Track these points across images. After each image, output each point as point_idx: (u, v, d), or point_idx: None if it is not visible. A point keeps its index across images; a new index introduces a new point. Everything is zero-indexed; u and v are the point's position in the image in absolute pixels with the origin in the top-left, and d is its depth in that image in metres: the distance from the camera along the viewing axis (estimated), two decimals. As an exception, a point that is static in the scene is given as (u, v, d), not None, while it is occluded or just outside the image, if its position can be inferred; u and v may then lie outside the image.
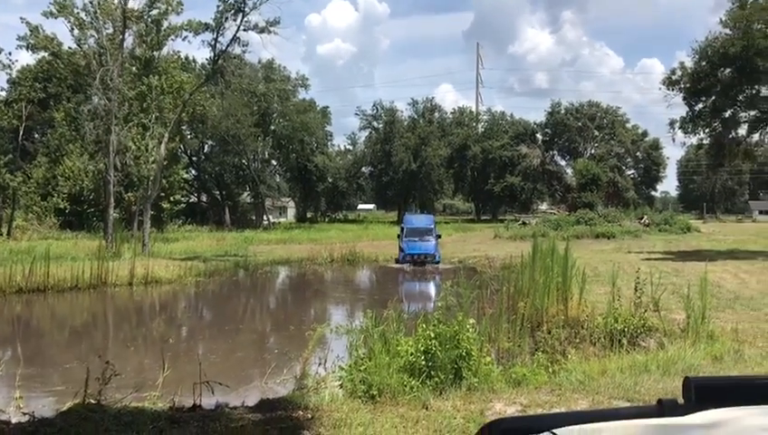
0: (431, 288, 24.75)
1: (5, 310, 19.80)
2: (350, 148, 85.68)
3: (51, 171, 45.78)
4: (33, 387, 9.89)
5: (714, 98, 33.33)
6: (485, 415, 6.64)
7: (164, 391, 8.08)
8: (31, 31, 34.70)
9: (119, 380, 7.77)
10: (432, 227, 32.29)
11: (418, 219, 35.14)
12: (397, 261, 30.86)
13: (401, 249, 30.71)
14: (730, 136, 34.96)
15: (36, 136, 53.69)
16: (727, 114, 34.05)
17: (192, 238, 42.60)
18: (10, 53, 56.65)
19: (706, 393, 1.12)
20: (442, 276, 24.49)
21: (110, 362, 7.65)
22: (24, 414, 6.78)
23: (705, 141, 37.72)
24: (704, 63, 32.73)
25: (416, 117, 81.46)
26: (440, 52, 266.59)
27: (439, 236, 32.08)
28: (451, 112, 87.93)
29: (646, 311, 11.54)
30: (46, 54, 39.40)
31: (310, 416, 6.71)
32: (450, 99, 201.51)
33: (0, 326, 18.36)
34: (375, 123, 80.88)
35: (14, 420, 6.67)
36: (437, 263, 29.97)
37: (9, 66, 39.67)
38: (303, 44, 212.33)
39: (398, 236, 31.90)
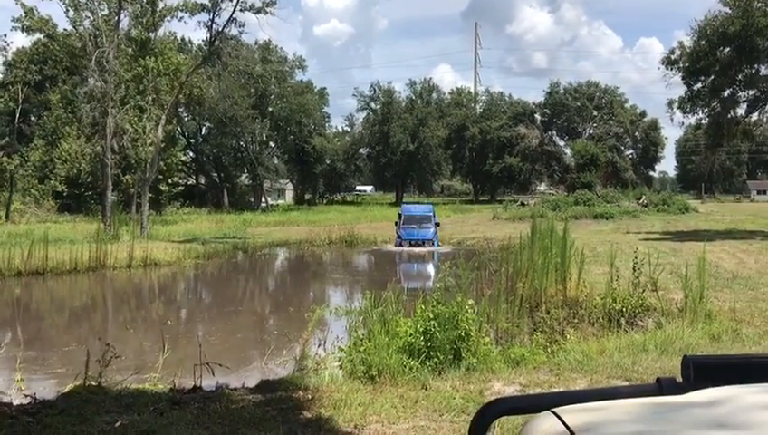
0: (429, 268, 24.80)
1: (5, 293, 19.83)
2: (348, 129, 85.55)
3: (48, 154, 45.67)
4: (34, 369, 9.93)
5: (713, 77, 33.19)
6: (484, 395, 6.68)
7: (164, 373, 8.12)
8: (26, 12, 34.41)
9: (119, 362, 7.81)
10: (431, 214, 31.58)
11: (417, 208, 34.38)
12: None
13: (398, 236, 30.26)
14: (729, 116, 34.86)
15: (33, 119, 53.48)
16: (726, 94, 33.94)
17: (190, 221, 42.62)
18: (5, 35, 56.52)
19: (705, 372, 1.13)
20: (440, 258, 24.25)
21: (110, 344, 7.69)
22: (26, 396, 6.82)
23: (703, 121, 37.67)
24: (703, 43, 32.56)
25: (413, 98, 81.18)
26: (438, 32, 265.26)
27: (438, 225, 31.30)
28: (449, 93, 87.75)
29: (644, 291, 11.58)
30: (41, 36, 39.12)
31: (310, 396, 6.75)
32: (448, 79, 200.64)
33: (0, 309, 18.41)
34: (373, 104, 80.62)
35: (15, 402, 6.71)
36: (436, 246, 29.51)
37: (4, 48, 39.44)
38: (300, 25, 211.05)
39: (396, 224, 31.30)
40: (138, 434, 5.51)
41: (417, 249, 28.91)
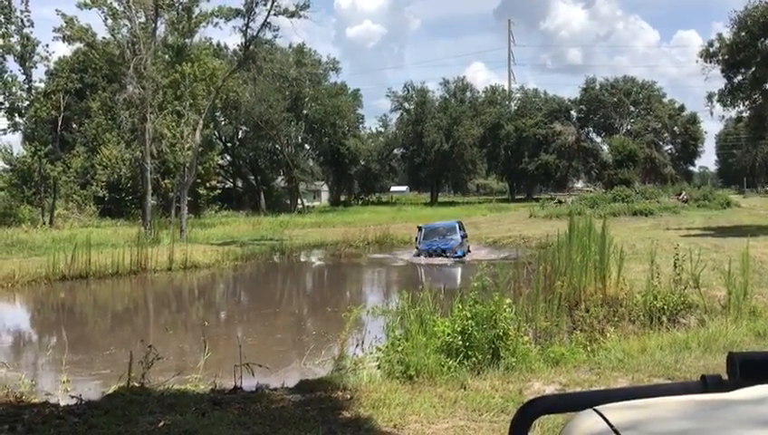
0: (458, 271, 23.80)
1: (50, 297, 20.30)
2: (382, 130, 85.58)
3: (89, 160, 46.61)
4: (79, 371, 10.15)
5: (753, 69, 32.45)
6: (524, 394, 6.63)
7: (205, 374, 8.24)
8: (66, 22, 35.15)
9: (161, 363, 7.94)
10: (455, 226, 28.07)
11: (441, 223, 30.72)
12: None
13: (417, 248, 26.94)
14: (771, 108, 34.05)
15: (74, 126, 54.59)
16: (768, 85, 33.17)
17: (228, 223, 43.12)
18: (47, 45, 57.66)
19: (751, 369, 1.11)
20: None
21: (152, 346, 7.83)
22: (72, 397, 6.98)
23: (744, 114, 36.86)
24: (743, 34, 31.85)
25: (447, 97, 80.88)
26: (471, 30, 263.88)
27: (465, 237, 27.64)
28: (483, 91, 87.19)
29: (685, 288, 11.38)
30: (81, 45, 39.94)
31: (349, 396, 6.78)
32: (482, 77, 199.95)
33: (45, 313, 18.87)
34: (406, 104, 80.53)
35: (62, 403, 6.86)
36: (461, 256, 25.76)
37: (47, 58, 40.31)
38: (333, 27, 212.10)
39: (416, 239, 27.62)
40: (180, 434, 5.60)
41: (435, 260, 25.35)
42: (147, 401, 6.56)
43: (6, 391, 7.20)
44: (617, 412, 1.03)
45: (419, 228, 28.04)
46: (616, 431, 0.96)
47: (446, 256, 25.33)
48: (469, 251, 27.16)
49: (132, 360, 7.41)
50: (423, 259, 25.45)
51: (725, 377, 1.13)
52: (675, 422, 0.98)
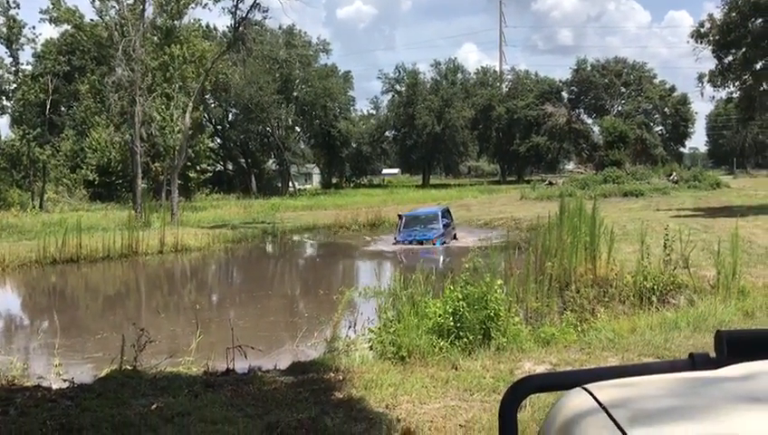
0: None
1: (41, 281, 20.25)
2: (374, 112, 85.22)
3: (78, 144, 46.35)
4: (71, 355, 10.14)
5: (744, 50, 32.44)
6: (515, 374, 6.69)
7: (197, 356, 8.25)
8: (53, 4, 34.81)
9: (153, 346, 7.95)
10: (437, 214, 26.35)
11: (424, 210, 29.24)
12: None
13: (395, 238, 25.17)
14: (761, 88, 34.08)
15: (63, 109, 54.23)
16: (758, 66, 33.17)
17: (219, 207, 43.00)
18: (34, 27, 57.12)
19: (739, 347, 1.12)
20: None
21: (144, 329, 7.83)
22: (65, 381, 6.99)
23: (734, 95, 36.90)
24: (734, 14, 31.81)
25: (439, 79, 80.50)
26: (462, 11, 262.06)
27: (448, 225, 25.84)
28: (474, 73, 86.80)
29: (675, 268, 11.45)
30: (69, 27, 39.56)
31: (341, 377, 6.82)
32: (473, 59, 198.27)
33: (37, 297, 18.82)
34: (398, 86, 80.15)
35: (54, 387, 6.87)
36: (440, 246, 24.06)
37: (33, 40, 39.96)
38: (324, 8, 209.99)
39: (397, 228, 25.79)
40: (174, 416, 5.62)
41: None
42: (139, 384, 6.57)
43: (-2, 375, 7.20)
44: (606, 390, 1.04)
45: (400, 216, 26.49)
46: (605, 409, 0.97)
47: (422, 245, 23.68)
48: (455, 238, 25.75)
49: (124, 343, 7.42)
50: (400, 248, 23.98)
51: (713, 355, 1.14)
52: (663, 399, 0.99)
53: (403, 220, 25.80)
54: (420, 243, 23.98)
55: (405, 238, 24.44)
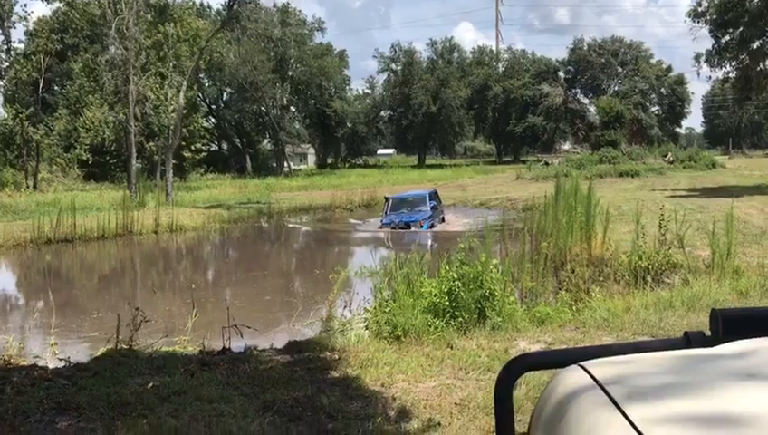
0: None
1: (36, 260, 20.23)
2: (369, 92, 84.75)
3: (72, 123, 46.03)
4: (67, 334, 10.16)
5: (741, 29, 32.32)
6: (510, 353, 6.72)
7: (193, 336, 8.28)
8: (45, -19, 34.41)
9: (149, 325, 7.97)
10: (425, 196, 25.62)
11: (410, 193, 28.04)
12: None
13: (381, 222, 24.64)
14: (758, 68, 33.99)
15: (56, 88, 53.81)
16: (755, 45, 33.07)
17: (214, 187, 42.93)
18: (25, 5, 56.50)
19: (733, 325, 1.12)
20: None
21: (140, 308, 7.84)
22: (61, 360, 7.00)
23: (731, 75, 36.78)
24: (731, -7, 31.68)
25: (435, 58, 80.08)
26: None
27: (436, 208, 25.17)
28: (471, 52, 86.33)
29: (670, 248, 11.48)
30: (61, 5, 39.17)
31: (337, 357, 6.85)
32: (470, 38, 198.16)
33: (32, 276, 18.83)
34: (393, 66, 79.68)
35: (51, 366, 6.89)
36: (427, 229, 23.39)
37: (25, 18, 39.48)
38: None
39: (384, 211, 24.97)
40: (169, 395, 5.64)
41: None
42: (135, 363, 6.59)
43: (-6, 355, 7.21)
44: (601, 368, 1.04)
45: (386, 199, 25.62)
46: (601, 386, 0.97)
47: (410, 229, 23.05)
48: (443, 221, 25.24)
49: (120, 322, 7.43)
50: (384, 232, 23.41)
51: (708, 333, 1.14)
52: (658, 377, 0.99)
53: (390, 203, 25.06)
54: (407, 225, 23.28)
55: (391, 221, 23.75)
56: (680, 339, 1.16)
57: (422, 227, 23.34)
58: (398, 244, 20.10)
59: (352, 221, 28.59)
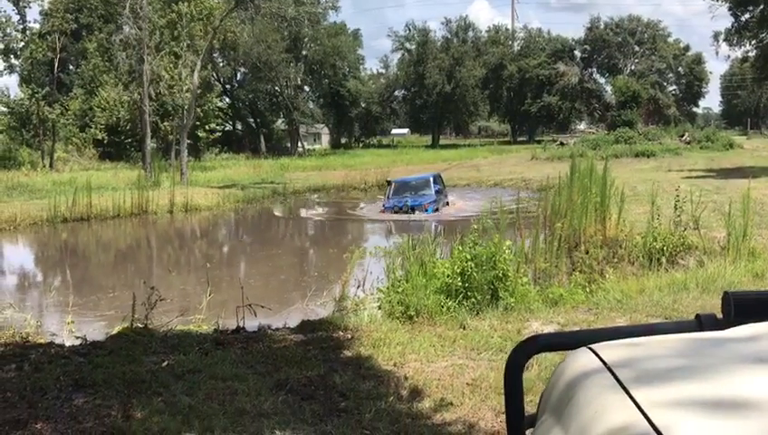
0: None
1: (53, 239, 20.44)
2: (383, 71, 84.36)
3: (87, 103, 46.19)
4: (83, 312, 10.27)
5: (762, 7, 31.82)
6: (522, 334, 6.72)
7: (208, 315, 8.34)
8: (59, -40, 34.40)
9: (164, 304, 8.03)
10: (429, 180, 24.74)
11: (413, 177, 26.76)
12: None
13: (383, 206, 23.78)
14: (778, 47, 33.55)
15: (71, 68, 53.98)
16: (776, 24, 32.59)
17: (229, 166, 43.03)
18: (40, -16, 56.57)
19: (746, 308, 1.11)
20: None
21: (155, 287, 7.91)
22: (77, 338, 7.09)
23: (750, 54, 36.35)
24: (752, -30, 31.17)
25: (449, 37, 79.40)
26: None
27: (440, 191, 24.45)
28: (486, 31, 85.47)
29: (685, 229, 11.41)
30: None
31: (350, 336, 6.88)
32: (485, 17, 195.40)
33: (49, 254, 19.03)
34: (407, 45, 79.15)
35: (67, 344, 6.97)
36: (431, 213, 22.52)
37: (40, -3, 39.62)
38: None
39: (386, 195, 24.26)
40: (184, 373, 5.70)
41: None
42: (150, 342, 6.66)
43: (13, 332, 7.31)
44: (611, 350, 1.04)
45: (389, 182, 24.95)
46: (609, 368, 0.97)
47: (414, 214, 22.16)
48: (447, 205, 24.58)
49: (135, 301, 7.49)
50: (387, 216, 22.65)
51: (720, 316, 1.14)
52: (668, 360, 0.99)
53: (392, 186, 24.27)
54: (411, 209, 22.40)
55: (394, 205, 22.87)
56: (691, 322, 1.16)
57: (427, 210, 22.55)
58: (402, 229, 19.42)
59: (362, 205, 28.24)
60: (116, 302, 10.72)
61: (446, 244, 10.14)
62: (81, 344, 6.74)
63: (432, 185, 24.19)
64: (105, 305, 11.02)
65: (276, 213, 27.90)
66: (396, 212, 22.49)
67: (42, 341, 7.20)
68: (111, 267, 16.82)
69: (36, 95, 40.19)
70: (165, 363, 5.97)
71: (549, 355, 4.59)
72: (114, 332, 7.34)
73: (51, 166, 39.45)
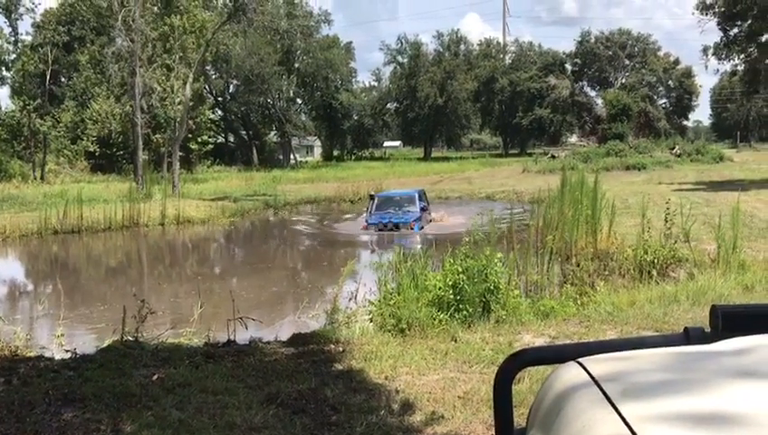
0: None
1: (43, 251, 20.32)
2: (375, 84, 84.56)
3: (79, 115, 46.14)
4: (73, 325, 10.20)
5: (750, 21, 32.17)
6: (513, 347, 6.71)
7: (199, 328, 8.30)
8: (51, -27, 34.42)
9: (155, 317, 7.99)
10: (414, 196, 23.44)
11: (397, 192, 25.79)
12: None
13: (366, 221, 22.40)
14: (766, 61, 33.85)
15: (63, 80, 53.94)
16: (764, 38, 32.89)
17: (221, 179, 42.97)
18: (32, -3, 56.50)
19: (733, 321, 1.12)
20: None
21: (145, 300, 7.86)
22: (67, 351, 7.03)
23: (739, 68, 36.69)
24: (740, -14, 31.50)
25: (441, 50, 79.80)
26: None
27: (424, 209, 22.95)
28: (477, 44, 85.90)
29: (676, 242, 11.45)
30: (68, -4, 39.18)
31: (341, 349, 6.86)
32: (477, 30, 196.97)
33: (39, 267, 18.90)
34: (400, 58, 79.50)
35: (57, 357, 6.92)
36: (418, 232, 21.05)
37: (33, 10, 39.54)
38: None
39: (367, 210, 22.95)
40: (175, 387, 5.67)
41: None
42: (141, 355, 6.61)
43: (1, 345, 7.25)
44: (599, 364, 1.04)
45: (371, 197, 23.60)
46: (597, 383, 0.97)
47: (399, 231, 20.79)
48: (430, 221, 23.05)
49: (126, 314, 7.45)
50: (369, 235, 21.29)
51: (708, 329, 1.14)
52: (656, 374, 0.99)
53: (375, 201, 22.89)
54: (396, 226, 21.06)
55: (378, 221, 21.49)
56: (680, 335, 1.16)
57: (413, 229, 21.19)
58: (387, 246, 18.30)
59: (346, 217, 27.07)
60: (107, 314, 10.66)
61: (435, 257, 10.13)
62: (70, 358, 6.69)
63: (417, 201, 22.96)
64: (96, 318, 10.95)
65: (268, 225, 27.85)
66: (380, 230, 21.14)
67: (31, 354, 7.14)
68: (102, 280, 16.72)
69: (28, 107, 40.13)
70: (155, 377, 5.93)
71: (540, 368, 4.59)
72: (104, 345, 7.29)
73: (42, 178, 39.32)
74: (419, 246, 16.79)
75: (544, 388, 1.10)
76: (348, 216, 27.28)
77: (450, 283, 8.10)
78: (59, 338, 7.78)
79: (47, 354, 7.16)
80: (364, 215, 23.01)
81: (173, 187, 31.80)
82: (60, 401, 5.31)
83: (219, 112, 66.26)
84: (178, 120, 34.44)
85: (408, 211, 22.11)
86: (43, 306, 11.63)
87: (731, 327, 1.11)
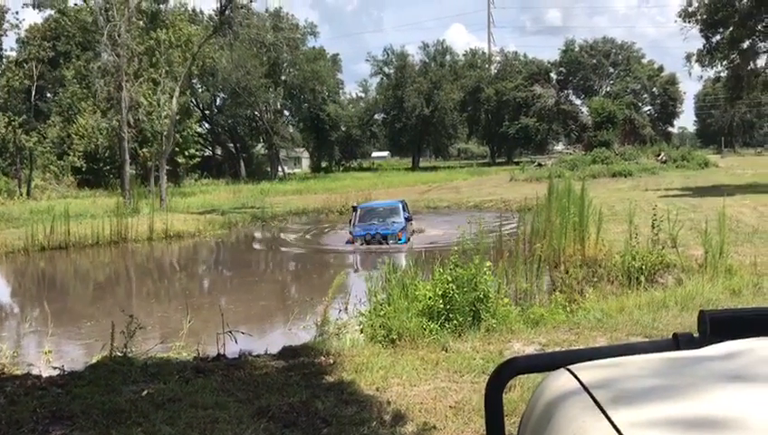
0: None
1: (30, 268, 20.15)
2: (362, 95, 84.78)
3: (65, 130, 45.92)
4: (61, 342, 10.12)
5: (731, 29, 32.53)
6: (504, 355, 6.72)
7: (188, 342, 8.25)
8: (36, -12, 34.34)
9: (144, 332, 7.94)
10: (398, 207, 22.87)
11: (380, 203, 25.45)
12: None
13: (351, 234, 21.72)
14: (748, 67, 34.24)
15: (48, 95, 53.70)
16: (745, 45, 33.29)
17: (209, 192, 42.85)
18: (17, 13, 56.49)
19: (721, 326, 1.13)
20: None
21: (134, 315, 7.82)
22: (55, 368, 6.97)
23: (722, 74, 37.06)
24: (721, -7, 31.90)
25: (427, 61, 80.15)
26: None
27: (408, 220, 22.53)
28: (463, 55, 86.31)
29: (663, 248, 11.52)
30: (53, 12, 39.08)
31: (332, 361, 6.84)
32: (462, 41, 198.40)
33: (26, 284, 18.74)
34: (386, 69, 79.76)
35: (44, 374, 6.85)
36: (404, 243, 20.57)
37: (17, 26, 39.58)
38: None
39: (350, 222, 22.30)
40: (164, 402, 5.62)
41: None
42: (130, 371, 6.56)
43: (-12, 364, 7.18)
44: (589, 371, 1.04)
45: (354, 208, 22.91)
46: (587, 389, 0.97)
47: (387, 244, 20.23)
48: (413, 233, 22.59)
49: (115, 329, 7.40)
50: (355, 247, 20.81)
51: (697, 335, 1.15)
52: (645, 379, 0.99)
53: (357, 212, 22.24)
54: (384, 238, 20.50)
55: (364, 233, 20.86)
56: (669, 341, 1.17)
57: (400, 240, 20.68)
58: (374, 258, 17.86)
59: (333, 229, 26.55)
60: (95, 330, 10.57)
61: (425, 268, 10.13)
62: (58, 375, 6.63)
63: (401, 211, 22.45)
64: (84, 334, 10.87)
65: (256, 238, 27.77)
66: (367, 242, 20.55)
67: (18, 372, 7.07)
68: (90, 296, 16.59)
69: (13, 123, 39.91)
70: (145, 392, 5.89)
71: (531, 376, 4.59)
72: (93, 361, 7.24)
73: (28, 194, 39.06)
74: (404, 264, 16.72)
75: (535, 396, 1.10)
76: (336, 227, 27.27)
77: (440, 292, 8.11)
78: (47, 355, 7.72)
79: (35, 372, 7.09)
80: (348, 227, 22.56)
81: (160, 201, 31.68)
82: (48, 420, 5.26)
83: (206, 125, 66.20)
84: (165, 133, 34.34)
85: (394, 222, 21.68)
86: (31, 323, 11.52)
87: (719, 332, 1.12)
